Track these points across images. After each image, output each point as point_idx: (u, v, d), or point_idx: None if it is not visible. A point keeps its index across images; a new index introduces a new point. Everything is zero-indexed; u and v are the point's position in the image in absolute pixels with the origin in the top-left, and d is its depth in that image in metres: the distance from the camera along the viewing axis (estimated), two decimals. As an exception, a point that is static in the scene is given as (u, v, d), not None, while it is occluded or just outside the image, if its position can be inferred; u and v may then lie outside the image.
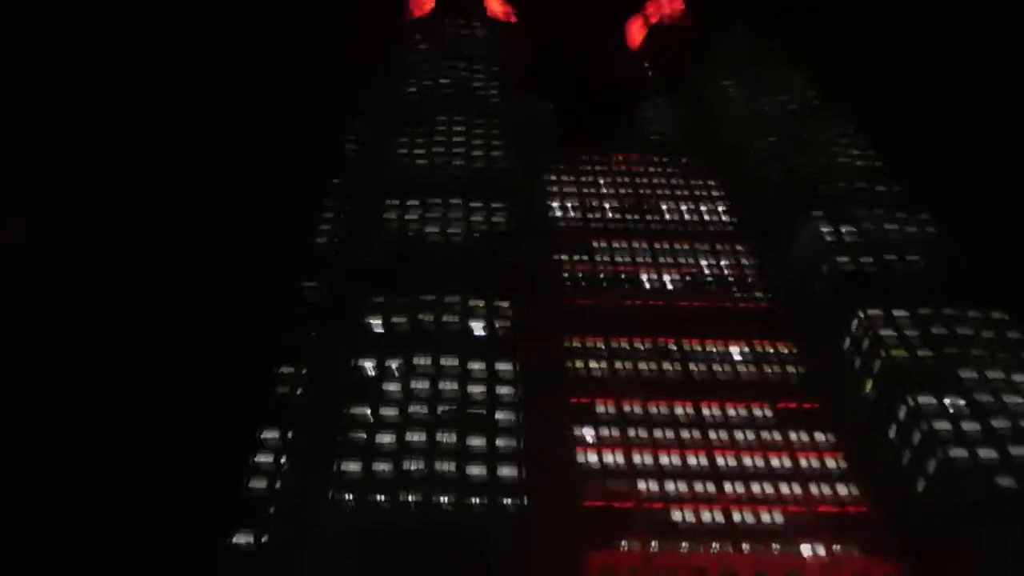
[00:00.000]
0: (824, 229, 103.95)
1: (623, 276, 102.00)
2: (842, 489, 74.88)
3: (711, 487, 74.84)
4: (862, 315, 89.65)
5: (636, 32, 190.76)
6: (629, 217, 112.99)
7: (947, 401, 78.91)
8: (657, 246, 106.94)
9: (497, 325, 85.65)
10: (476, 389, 78.42)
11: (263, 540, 73.38)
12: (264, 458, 79.75)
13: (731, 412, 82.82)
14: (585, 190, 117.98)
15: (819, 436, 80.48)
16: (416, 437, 73.75)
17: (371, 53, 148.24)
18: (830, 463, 77.75)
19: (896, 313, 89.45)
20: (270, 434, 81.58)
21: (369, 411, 76.74)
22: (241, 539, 72.96)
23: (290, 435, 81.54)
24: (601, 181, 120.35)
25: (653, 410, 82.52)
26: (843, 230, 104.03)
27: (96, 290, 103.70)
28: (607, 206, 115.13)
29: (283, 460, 79.67)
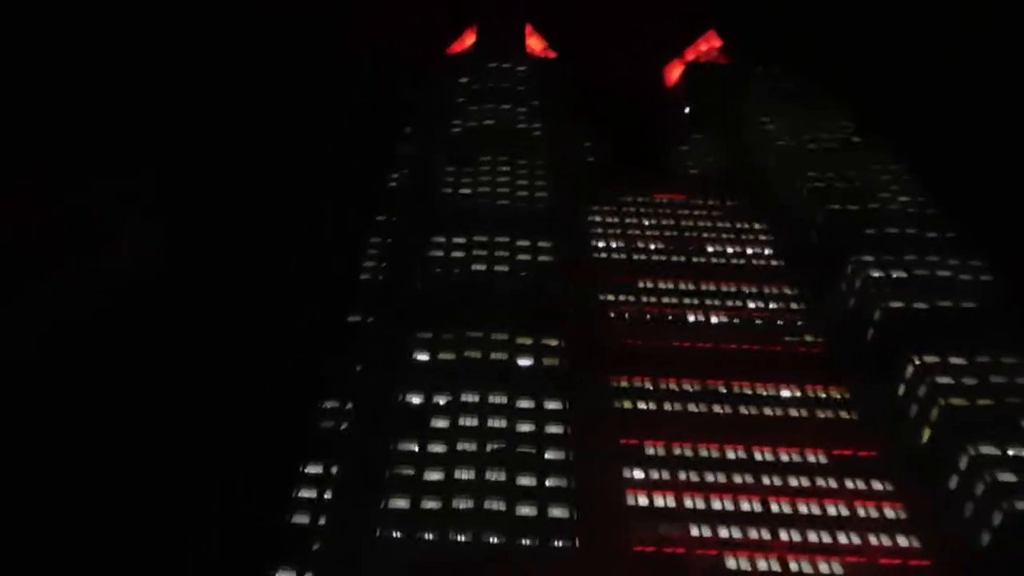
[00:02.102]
0: (875, 273, 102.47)
1: (669, 317, 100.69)
2: (902, 540, 72.40)
3: (766, 533, 72.67)
4: (917, 361, 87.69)
5: (673, 70, 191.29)
6: (674, 258, 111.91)
7: (1010, 451, 76.61)
8: (703, 287, 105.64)
9: (545, 362, 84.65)
10: (525, 427, 77.22)
11: (306, 576, 72.35)
12: (308, 492, 78.72)
13: (784, 457, 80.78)
14: (629, 231, 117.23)
15: (876, 484, 78.16)
16: (464, 474, 72.52)
17: (416, 90, 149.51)
18: (889, 512, 75.36)
19: (953, 360, 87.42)
20: (314, 468, 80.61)
21: (417, 446, 75.68)
22: (284, 575, 72.00)
23: (334, 470, 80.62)
24: (645, 221, 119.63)
25: (704, 453, 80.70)
26: (894, 274, 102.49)
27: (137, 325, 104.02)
28: (652, 247, 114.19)
29: (327, 495, 78.73)
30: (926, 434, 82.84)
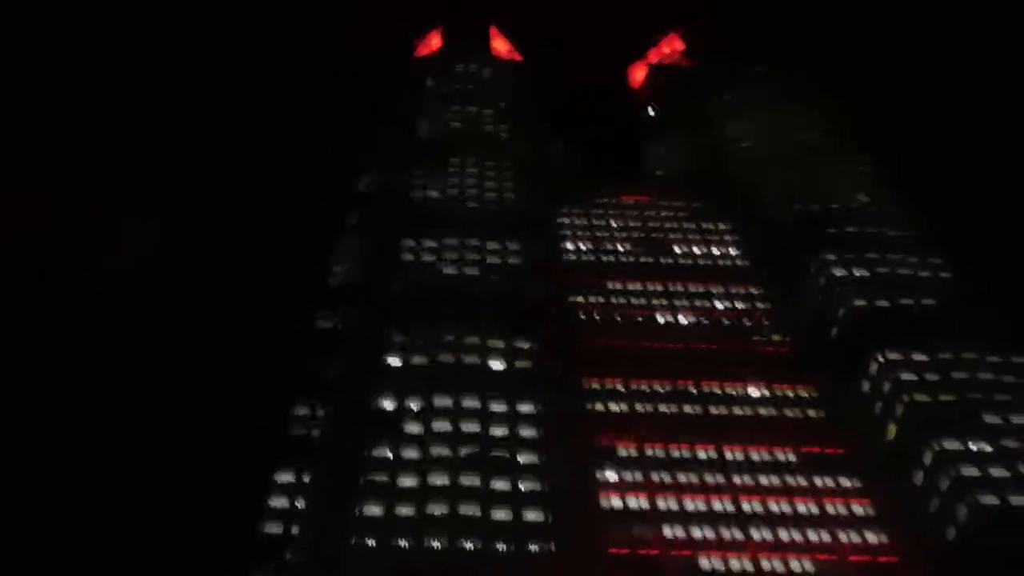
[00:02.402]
0: (838, 272, 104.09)
1: (639, 318, 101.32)
2: (871, 536, 73.45)
3: (738, 533, 73.29)
4: (881, 358, 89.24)
5: (637, 72, 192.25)
6: (643, 259, 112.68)
7: (973, 446, 78.25)
8: (671, 288, 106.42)
9: (517, 365, 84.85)
10: (498, 430, 77.19)
11: (279, 586, 71.86)
12: (279, 501, 78.37)
13: (754, 456, 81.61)
14: (598, 232, 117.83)
15: (844, 481, 79.22)
16: (439, 480, 72.35)
17: (382, 92, 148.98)
18: (857, 509, 76.46)
19: (916, 356, 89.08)
20: (285, 476, 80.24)
21: (390, 452, 75.36)
22: (257, 585, 71.56)
23: (306, 477, 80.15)
24: (613, 223, 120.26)
25: (675, 453, 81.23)
26: (856, 273, 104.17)
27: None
28: (620, 248, 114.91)
29: (299, 503, 78.20)
30: (892, 431, 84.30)
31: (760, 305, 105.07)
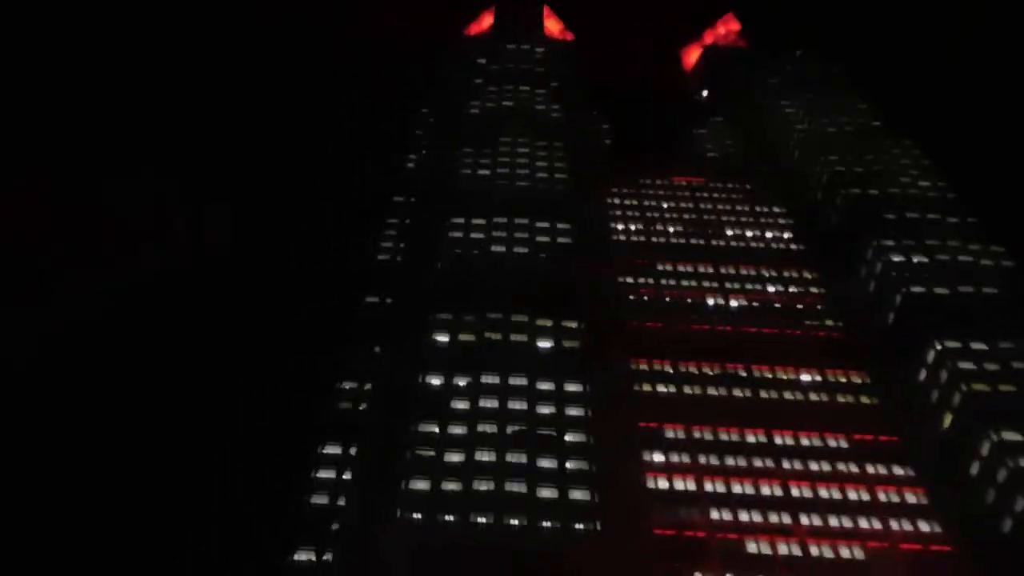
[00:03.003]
0: (895, 258, 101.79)
1: (688, 300, 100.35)
2: (924, 526, 72.25)
3: (786, 518, 72.62)
4: (939, 346, 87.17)
5: (691, 54, 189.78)
6: (693, 241, 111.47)
7: (1032, 438, 76.18)
8: (723, 271, 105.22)
9: (565, 344, 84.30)
10: (545, 409, 76.91)
11: (325, 557, 72.54)
12: (326, 474, 79.02)
13: (804, 442, 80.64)
14: (648, 213, 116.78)
15: (897, 469, 78.05)
16: (485, 456, 72.25)
17: (430, 71, 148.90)
18: (910, 498, 75.19)
19: (975, 346, 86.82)
20: (332, 449, 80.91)
21: (437, 428, 75.41)
22: (303, 556, 72.23)
23: (352, 451, 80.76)
24: (664, 204, 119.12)
25: (724, 437, 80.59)
26: (915, 259, 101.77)
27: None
28: (671, 229, 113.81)
29: (346, 475, 78.85)
30: (947, 420, 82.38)
31: (813, 290, 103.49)
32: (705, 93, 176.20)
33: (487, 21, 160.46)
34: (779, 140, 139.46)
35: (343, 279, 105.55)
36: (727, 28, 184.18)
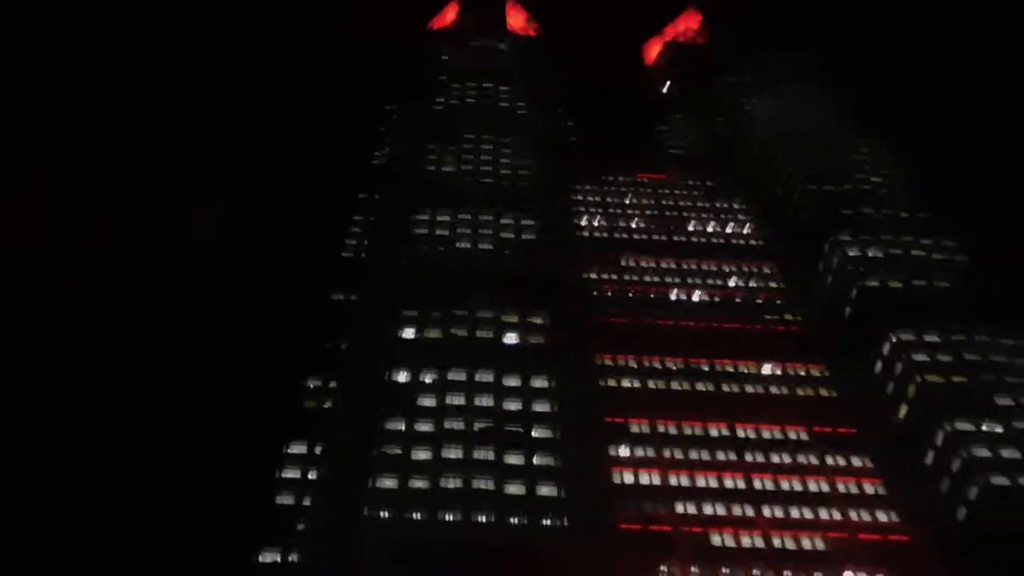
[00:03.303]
0: (852, 252, 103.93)
1: (652, 295, 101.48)
2: (882, 515, 73.90)
3: (749, 510, 73.85)
4: (894, 339, 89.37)
5: (652, 48, 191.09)
6: (656, 237, 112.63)
7: (984, 427, 78.42)
8: (685, 266, 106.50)
9: (531, 340, 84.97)
10: (512, 405, 77.45)
11: (291, 558, 72.30)
12: (292, 473, 78.62)
13: (766, 434, 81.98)
14: (611, 209, 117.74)
15: (856, 460, 79.63)
16: (453, 453, 72.67)
17: (397, 67, 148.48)
18: (868, 488, 76.83)
19: (928, 338, 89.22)
20: (298, 448, 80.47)
21: (404, 425, 75.62)
22: (268, 557, 71.89)
23: (318, 449, 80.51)
24: (627, 200, 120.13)
25: (688, 430, 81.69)
26: (870, 253, 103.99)
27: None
28: (634, 225, 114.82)
29: (311, 474, 78.58)
30: (903, 411, 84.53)
31: (773, 284, 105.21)
32: (667, 88, 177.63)
33: (450, 15, 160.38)
34: (740, 136, 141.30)
35: (308, 275, 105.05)
36: (687, 24, 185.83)
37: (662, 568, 68.23)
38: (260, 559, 71.43)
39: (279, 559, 71.99)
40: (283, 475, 78.24)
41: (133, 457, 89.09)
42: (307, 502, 76.16)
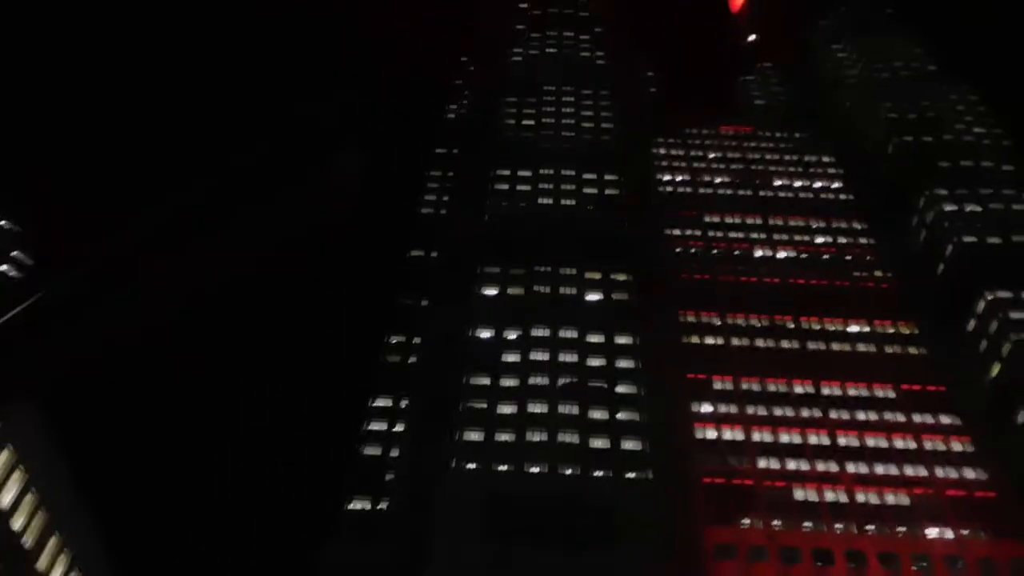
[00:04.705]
0: (948, 207, 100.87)
1: (736, 251, 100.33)
2: (969, 472, 72.97)
3: (833, 466, 73.76)
4: (989, 296, 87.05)
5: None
6: (741, 192, 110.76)
7: (1082, 387, 76.27)
8: (771, 222, 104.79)
9: (614, 297, 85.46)
10: (595, 361, 78.51)
11: (380, 506, 75.14)
12: (378, 425, 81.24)
13: (852, 392, 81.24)
14: (695, 164, 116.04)
15: (944, 418, 78.42)
16: (537, 408, 74.23)
17: (475, 22, 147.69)
18: (956, 446, 75.78)
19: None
20: (383, 402, 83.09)
21: (489, 380, 77.40)
22: (358, 505, 74.79)
23: (403, 404, 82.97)
24: (711, 155, 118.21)
25: (772, 388, 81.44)
26: (967, 208, 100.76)
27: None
28: (718, 180, 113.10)
29: (397, 427, 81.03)
30: (996, 369, 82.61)
31: (863, 240, 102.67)
32: (753, 38, 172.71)
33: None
34: (830, 86, 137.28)
35: (386, 233, 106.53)
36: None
37: (744, 521, 68.88)
38: (350, 507, 74.39)
39: (368, 507, 75.04)
40: (369, 428, 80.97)
41: (223, 415, 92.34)
42: (394, 453, 78.93)
